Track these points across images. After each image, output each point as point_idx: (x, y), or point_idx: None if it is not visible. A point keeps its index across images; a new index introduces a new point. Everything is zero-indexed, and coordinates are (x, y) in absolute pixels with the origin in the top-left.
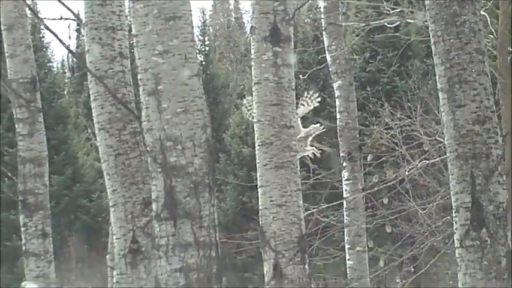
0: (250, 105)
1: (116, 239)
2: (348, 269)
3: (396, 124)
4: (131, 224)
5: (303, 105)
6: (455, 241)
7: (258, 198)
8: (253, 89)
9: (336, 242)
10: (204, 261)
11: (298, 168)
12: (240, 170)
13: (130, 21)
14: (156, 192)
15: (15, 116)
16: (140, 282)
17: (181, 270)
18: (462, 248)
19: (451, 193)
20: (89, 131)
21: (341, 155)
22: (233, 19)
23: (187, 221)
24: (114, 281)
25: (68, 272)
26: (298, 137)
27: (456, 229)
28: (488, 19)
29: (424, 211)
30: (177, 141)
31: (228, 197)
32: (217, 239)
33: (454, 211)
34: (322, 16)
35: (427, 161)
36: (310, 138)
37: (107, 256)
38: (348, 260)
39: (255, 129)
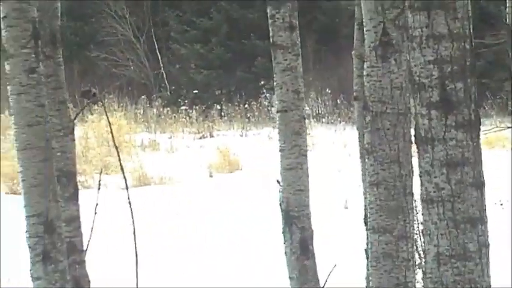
0: None
1: (366, 31)
2: None
3: None
4: (381, 16)
5: None
6: None
7: None
8: None
9: None
10: (458, 54)
11: None
12: None
13: None
14: None
15: None
16: (391, 75)
17: (435, 62)
18: None
19: None
20: None
21: None
22: None
23: (441, 11)
24: (364, 73)
25: (305, 73)
26: None
27: None
28: None
29: None
30: None
31: None
32: (471, 31)
33: None
34: None
35: None
36: None
37: (353, 52)
38: None
39: None
